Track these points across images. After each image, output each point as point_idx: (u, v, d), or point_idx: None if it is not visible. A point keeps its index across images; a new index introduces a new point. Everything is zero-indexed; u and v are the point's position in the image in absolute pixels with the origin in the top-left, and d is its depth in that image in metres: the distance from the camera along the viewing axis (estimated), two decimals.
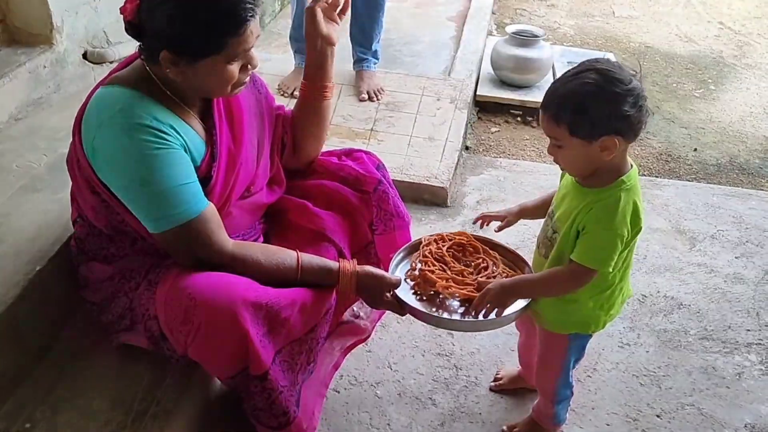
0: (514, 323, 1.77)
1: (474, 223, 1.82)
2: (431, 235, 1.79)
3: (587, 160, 1.41)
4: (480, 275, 1.67)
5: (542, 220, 1.65)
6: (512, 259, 1.75)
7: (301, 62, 3.29)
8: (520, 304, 1.57)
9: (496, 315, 1.54)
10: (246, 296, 1.44)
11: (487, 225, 1.80)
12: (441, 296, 1.64)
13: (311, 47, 1.74)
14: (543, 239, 1.60)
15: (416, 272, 1.70)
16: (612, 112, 1.34)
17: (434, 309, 1.63)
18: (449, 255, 1.72)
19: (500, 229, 1.77)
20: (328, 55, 1.76)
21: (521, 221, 1.78)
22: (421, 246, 1.75)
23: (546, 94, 1.42)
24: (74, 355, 1.69)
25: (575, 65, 1.41)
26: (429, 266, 1.68)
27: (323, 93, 1.80)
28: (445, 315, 1.61)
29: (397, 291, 1.64)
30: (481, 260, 1.73)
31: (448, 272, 1.67)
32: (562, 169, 1.55)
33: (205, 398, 1.70)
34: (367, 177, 1.84)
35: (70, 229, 1.68)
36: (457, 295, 1.62)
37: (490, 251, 1.76)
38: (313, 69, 1.77)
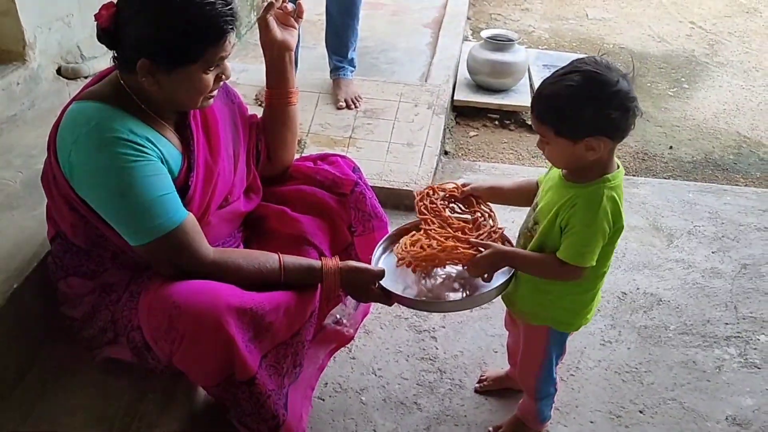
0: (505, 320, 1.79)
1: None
2: (423, 189, 1.76)
3: (573, 158, 1.43)
4: (480, 231, 1.63)
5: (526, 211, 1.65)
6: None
7: None
8: (500, 279, 1.58)
9: (483, 280, 1.54)
10: (230, 302, 1.44)
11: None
12: (425, 276, 1.64)
13: (269, 56, 1.77)
14: (524, 230, 1.61)
15: (406, 247, 1.66)
16: (596, 114, 1.35)
17: (419, 295, 1.63)
18: (444, 207, 1.69)
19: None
20: (287, 62, 1.77)
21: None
22: (415, 201, 1.72)
23: (534, 93, 1.44)
24: (55, 372, 1.68)
25: (560, 67, 1.42)
26: (428, 224, 1.66)
27: (288, 99, 1.82)
28: (432, 299, 1.62)
29: (381, 281, 1.64)
30: (478, 214, 1.69)
31: (448, 229, 1.64)
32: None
33: (189, 411, 1.69)
34: (343, 179, 1.85)
35: (47, 246, 1.67)
36: (461, 259, 1.58)
37: (483, 204, 1.72)
38: (275, 76, 1.79)
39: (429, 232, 1.65)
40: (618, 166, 1.47)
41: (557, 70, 1.41)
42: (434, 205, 1.70)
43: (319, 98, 3.37)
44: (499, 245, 1.55)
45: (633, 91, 1.38)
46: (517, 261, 1.55)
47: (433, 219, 1.67)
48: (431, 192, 1.75)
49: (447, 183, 1.78)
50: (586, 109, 1.35)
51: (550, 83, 1.40)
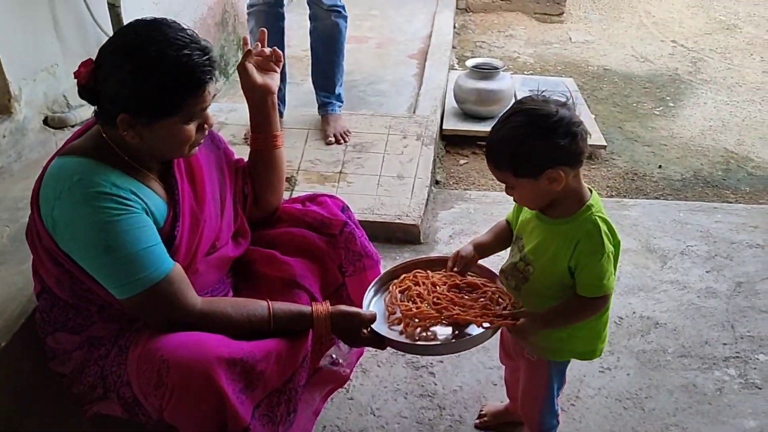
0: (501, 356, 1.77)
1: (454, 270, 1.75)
2: (411, 277, 1.73)
3: (541, 195, 1.45)
4: (502, 303, 1.61)
5: None
6: (488, 275, 1.73)
7: None
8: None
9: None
10: (219, 353, 1.42)
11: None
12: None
13: (251, 101, 1.77)
14: (512, 270, 1.60)
15: (396, 299, 1.67)
16: (546, 147, 1.38)
17: (413, 338, 1.61)
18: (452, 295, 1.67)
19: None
20: (270, 105, 1.78)
21: None
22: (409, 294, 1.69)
23: (486, 143, 1.47)
24: (46, 429, 1.65)
25: (506, 110, 1.46)
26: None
27: (274, 143, 1.82)
28: (425, 342, 1.59)
29: (373, 326, 1.63)
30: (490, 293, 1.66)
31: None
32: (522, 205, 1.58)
33: None
34: (332, 220, 1.84)
35: (35, 301, 1.66)
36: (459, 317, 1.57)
37: (483, 283, 1.70)
38: (259, 120, 1.80)
39: (418, 275, 1.66)
40: (590, 190, 1.50)
41: (501, 116, 1.45)
42: (445, 296, 1.65)
43: (308, 134, 3.38)
44: (537, 312, 1.52)
45: (575, 117, 1.41)
46: (554, 321, 1.53)
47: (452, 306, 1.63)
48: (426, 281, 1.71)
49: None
50: (535, 144, 1.39)
51: (497, 130, 1.44)
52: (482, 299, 1.63)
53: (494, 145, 1.44)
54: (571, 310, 1.51)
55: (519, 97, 3.89)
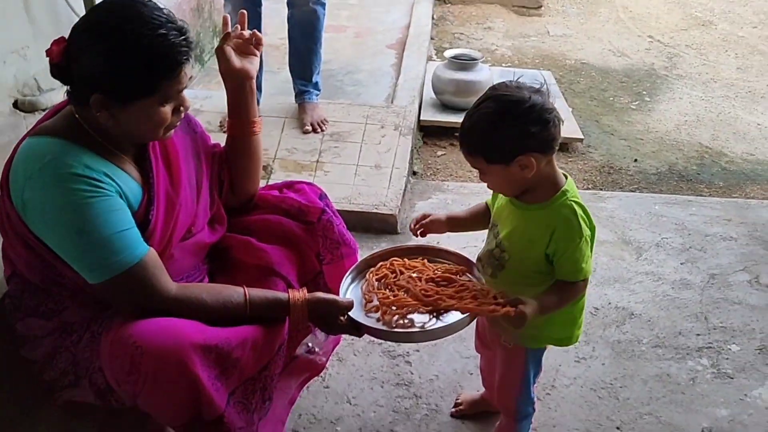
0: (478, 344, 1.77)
1: (415, 235, 1.78)
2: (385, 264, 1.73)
3: (513, 181, 1.46)
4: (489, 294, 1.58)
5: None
6: (465, 263, 1.72)
7: None
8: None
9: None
10: (194, 339, 1.39)
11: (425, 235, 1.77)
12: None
13: (229, 86, 1.74)
14: (488, 257, 1.60)
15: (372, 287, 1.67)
16: (518, 133, 1.38)
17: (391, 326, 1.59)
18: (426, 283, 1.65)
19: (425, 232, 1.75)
20: (248, 91, 1.74)
21: None
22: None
23: (459, 130, 1.47)
24: (15, 417, 1.61)
25: (476, 99, 1.45)
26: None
27: (251, 129, 1.78)
28: (402, 329, 1.58)
29: (350, 313, 1.61)
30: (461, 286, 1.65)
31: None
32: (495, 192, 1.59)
33: None
34: (310, 207, 1.82)
35: (4, 287, 1.61)
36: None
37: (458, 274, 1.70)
38: (236, 106, 1.76)
39: (395, 263, 1.66)
40: (565, 176, 1.50)
41: (474, 102, 1.45)
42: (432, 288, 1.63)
43: (284, 123, 3.35)
44: (532, 300, 1.47)
45: (548, 103, 1.41)
46: (545, 308, 1.50)
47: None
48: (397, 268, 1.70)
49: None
50: (506, 130, 1.38)
51: (469, 116, 1.44)
52: (464, 291, 1.61)
53: (466, 131, 1.44)
54: (557, 295, 1.51)
55: None
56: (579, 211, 1.46)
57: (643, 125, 4.07)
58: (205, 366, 1.39)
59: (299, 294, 1.59)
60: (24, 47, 2.60)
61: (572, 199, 1.47)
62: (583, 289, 1.53)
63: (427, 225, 1.73)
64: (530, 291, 1.52)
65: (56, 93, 2.65)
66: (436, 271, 1.69)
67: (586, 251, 1.46)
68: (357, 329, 1.61)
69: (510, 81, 1.45)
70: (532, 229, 1.48)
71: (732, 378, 2.14)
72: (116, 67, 1.33)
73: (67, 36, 1.38)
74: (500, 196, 1.59)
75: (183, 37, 1.37)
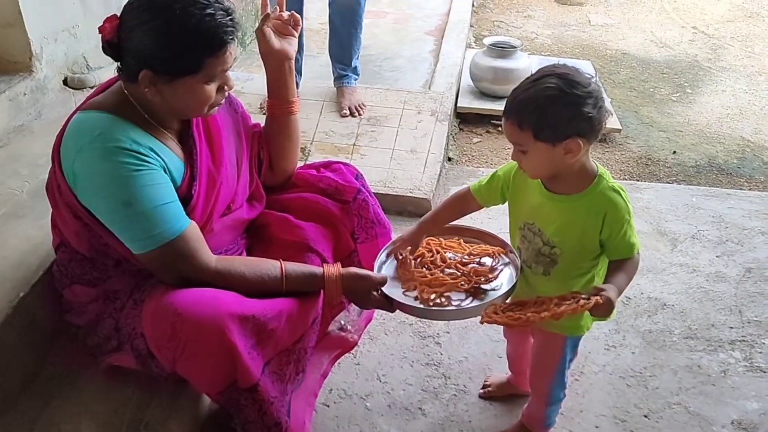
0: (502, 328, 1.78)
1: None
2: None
3: (552, 164, 1.43)
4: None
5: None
6: (500, 243, 1.76)
7: None
8: (505, 287, 1.61)
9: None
10: (232, 309, 1.45)
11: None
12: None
13: (269, 66, 1.78)
14: (536, 257, 1.56)
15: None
16: (574, 115, 1.36)
17: (427, 304, 1.63)
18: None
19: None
20: (287, 71, 1.77)
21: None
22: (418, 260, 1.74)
23: (507, 101, 1.43)
24: (61, 380, 1.69)
25: (534, 72, 1.43)
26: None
27: (289, 108, 1.82)
28: (434, 307, 1.61)
29: (383, 288, 1.65)
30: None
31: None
32: (524, 173, 1.53)
33: (195, 418, 1.70)
34: (346, 187, 1.86)
35: (53, 255, 1.69)
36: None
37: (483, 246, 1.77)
38: (275, 86, 1.80)
39: (431, 242, 1.70)
40: (597, 167, 1.50)
41: (527, 78, 1.42)
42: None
43: (323, 106, 3.39)
44: (610, 285, 1.45)
45: (602, 92, 1.41)
46: (621, 288, 1.48)
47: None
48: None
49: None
50: (565, 109, 1.36)
51: (525, 89, 1.40)
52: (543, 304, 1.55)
53: (521, 103, 1.39)
54: (625, 271, 1.49)
55: None
56: (622, 192, 1.47)
57: (683, 117, 4.01)
58: (242, 335, 1.44)
59: (334, 268, 1.63)
60: (74, 26, 2.70)
61: (610, 182, 1.47)
62: (639, 261, 1.52)
63: (405, 245, 1.76)
64: (579, 282, 1.53)
65: (104, 71, 2.74)
66: (472, 252, 1.72)
67: (634, 226, 1.48)
68: (389, 304, 1.64)
69: (565, 64, 1.42)
70: (583, 219, 1.47)
71: (765, 372, 2.12)
72: (164, 44, 1.38)
73: (118, 15, 1.43)
74: (530, 194, 1.57)
75: (229, 17, 1.41)
